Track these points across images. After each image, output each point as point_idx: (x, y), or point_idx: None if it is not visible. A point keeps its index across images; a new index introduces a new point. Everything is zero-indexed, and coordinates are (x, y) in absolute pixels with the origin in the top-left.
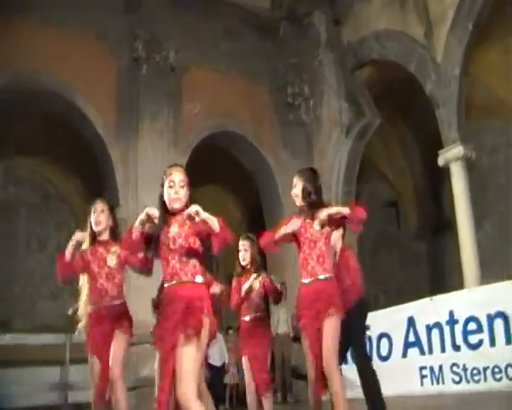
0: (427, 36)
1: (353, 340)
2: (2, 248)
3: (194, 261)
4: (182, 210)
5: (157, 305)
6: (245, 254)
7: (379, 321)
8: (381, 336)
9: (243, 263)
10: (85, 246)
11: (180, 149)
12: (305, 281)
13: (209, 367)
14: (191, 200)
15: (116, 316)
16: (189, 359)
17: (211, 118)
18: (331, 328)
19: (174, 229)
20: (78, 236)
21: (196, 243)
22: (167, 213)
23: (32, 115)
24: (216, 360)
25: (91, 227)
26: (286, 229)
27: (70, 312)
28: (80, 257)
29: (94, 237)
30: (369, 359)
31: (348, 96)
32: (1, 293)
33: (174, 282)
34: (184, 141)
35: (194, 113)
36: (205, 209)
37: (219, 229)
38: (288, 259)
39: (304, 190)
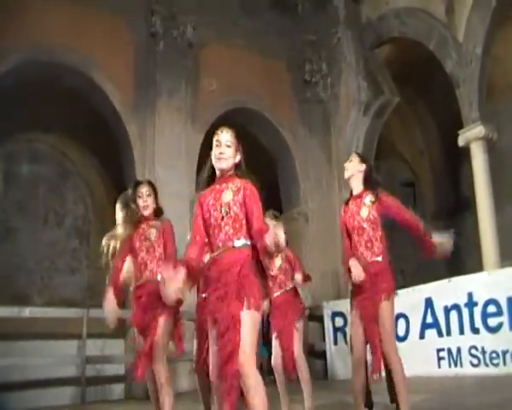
0: (449, 14)
1: None
2: (21, 223)
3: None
4: (231, 174)
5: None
6: None
7: (396, 301)
8: (398, 316)
9: None
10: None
11: (197, 126)
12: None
13: None
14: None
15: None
16: (248, 326)
17: (228, 94)
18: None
19: (228, 195)
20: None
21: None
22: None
23: (49, 91)
24: None
25: (137, 211)
26: None
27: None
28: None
29: (140, 220)
30: None
31: (367, 74)
32: (19, 267)
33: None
34: (202, 118)
35: (210, 89)
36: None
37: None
38: (304, 234)
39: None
